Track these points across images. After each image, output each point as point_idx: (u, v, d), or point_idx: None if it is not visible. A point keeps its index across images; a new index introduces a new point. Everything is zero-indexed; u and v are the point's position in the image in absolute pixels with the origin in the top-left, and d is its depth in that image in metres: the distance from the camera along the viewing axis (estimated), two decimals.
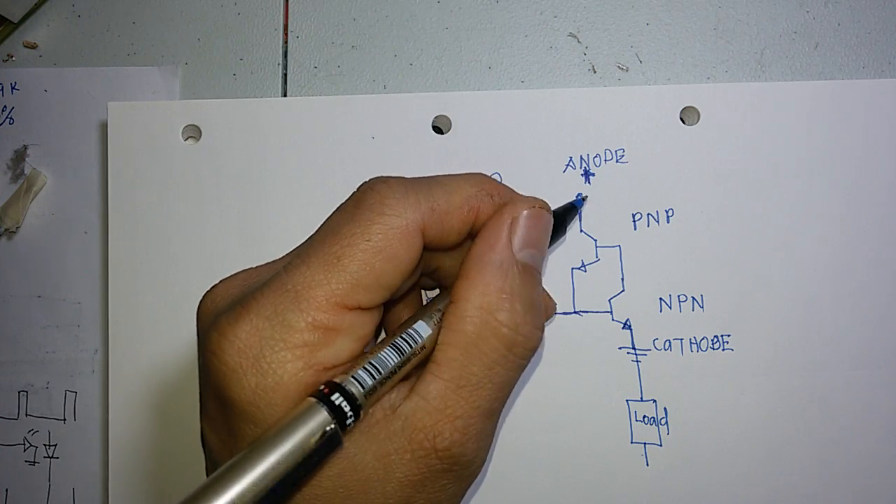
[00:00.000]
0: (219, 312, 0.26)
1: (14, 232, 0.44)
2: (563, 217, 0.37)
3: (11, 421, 0.43)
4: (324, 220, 0.27)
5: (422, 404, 0.26)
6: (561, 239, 0.39)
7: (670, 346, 0.40)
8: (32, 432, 0.43)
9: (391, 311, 0.32)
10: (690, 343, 0.40)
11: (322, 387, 0.24)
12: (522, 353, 0.27)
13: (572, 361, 0.40)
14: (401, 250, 0.26)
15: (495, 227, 0.27)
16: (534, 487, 0.39)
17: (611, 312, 0.40)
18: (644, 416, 0.39)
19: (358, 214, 0.26)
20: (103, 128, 0.44)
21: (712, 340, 0.40)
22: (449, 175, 0.28)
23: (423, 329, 0.27)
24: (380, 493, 0.25)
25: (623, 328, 0.40)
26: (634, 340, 0.40)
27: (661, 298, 0.40)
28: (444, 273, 0.30)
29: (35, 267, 0.44)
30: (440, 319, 0.27)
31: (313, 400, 0.24)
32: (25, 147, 0.44)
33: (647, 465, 0.39)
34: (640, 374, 0.40)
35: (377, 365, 0.25)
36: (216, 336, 0.25)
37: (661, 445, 0.39)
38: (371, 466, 0.25)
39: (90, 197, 0.44)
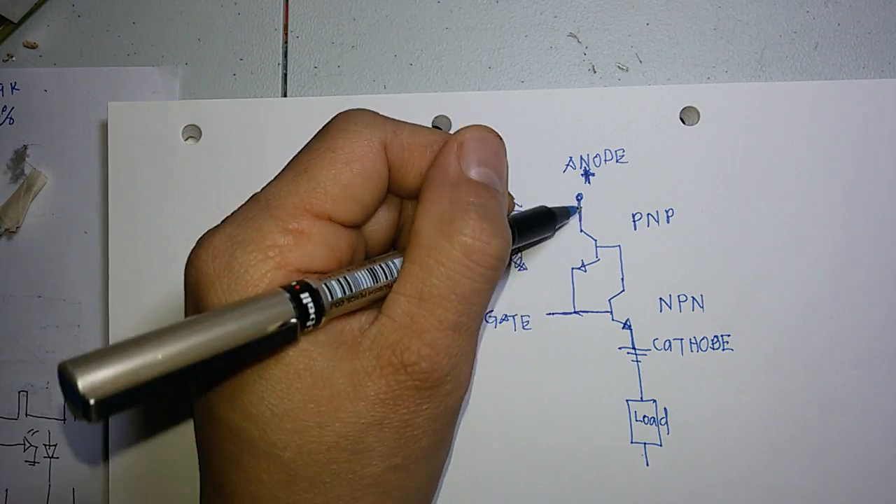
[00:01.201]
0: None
1: (14, 232, 0.44)
2: (554, 215, 0.38)
3: (11, 421, 0.43)
4: None
5: (388, 322, 0.26)
6: (547, 235, 0.39)
7: (670, 346, 0.40)
8: (32, 432, 0.43)
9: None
10: (690, 343, 0.40)
11: (294, 283, 0.25)
12: (483, 259, 0.26)
13: (572, 361, 0.40)
14: (366, 162, 0.27)
15: (444, 151, 0.28)
16: (534, 487, 0.39)
17: (611, 312, 0.40)
18: (644, 416, 0.39)
19: (326, 133, 0.28)
20: (103, 128, 0.44)
21: (712, 340, 0.40)
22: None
23: (399, 261, 0.28)
24: (351, 411, 0.25)
25: (623, 328, 0.40)
26: (634, 340, 0.40)
27: (661, 298, 0.40)
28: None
29: (35, 267, 0.44)
30: None
31: (281, 290, 0.24)
32: (25, 147, 0.44)
33: (647, 465, 0.39)
34: (640, 374, 0.40)
35: (350, 281, 0.26)
36: (196, 249, 0.26)
37: (661, 445, 0.39)
38: (341, 384, 0.25)
39: (90, 197, 0.44)
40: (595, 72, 0.44)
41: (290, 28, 0.45)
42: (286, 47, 0.45)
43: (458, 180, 0.28)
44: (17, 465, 0.43)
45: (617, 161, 0.40)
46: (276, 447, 0.25)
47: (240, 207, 0.27)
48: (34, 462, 0.43)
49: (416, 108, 0.41)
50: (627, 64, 0.44)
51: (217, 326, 0.22)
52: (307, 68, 0.44)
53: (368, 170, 0.27)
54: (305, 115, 0.41)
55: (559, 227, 0.40)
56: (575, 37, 0.44)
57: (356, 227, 0.28)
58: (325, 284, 0.25)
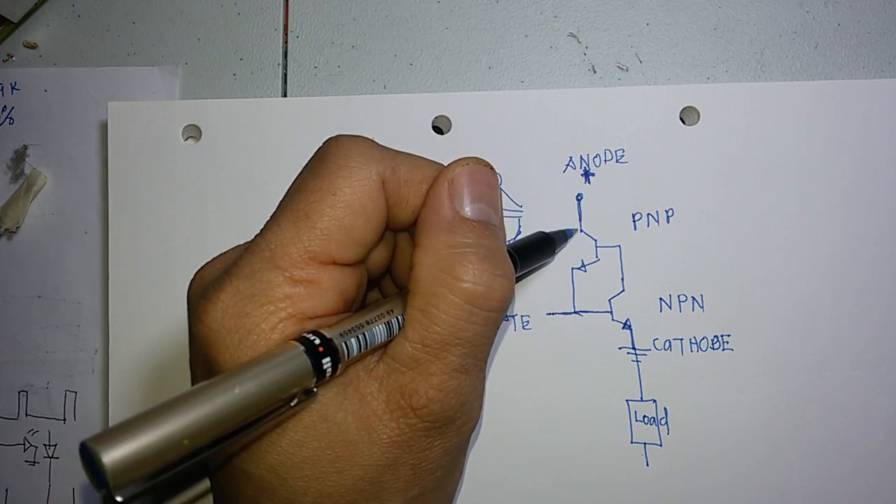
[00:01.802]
0: (206, 286, 0.26)
1: (14, 232, 0.44)
2: (553, 240, 0.38)
3: (11, 421, 0.43)
4: None
5: (394, 366, 0.26)
6: (548, 259, 0.39)
7: (670, 346, 0.40)
8: (32, 432, 0.43)
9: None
10: (690, 343, 0.40)
11: (314, 339, 0.24)
12: (486, 303, 0.26)
13: (572, 362, 0.40)
14: (368, 203, 0.26)
15: (434, 190, 0.27)
16: (534, 488, 0.39)
17: (611, 312, 0.40)
18: (644, 417, 0.39)
19: (322, 168, 0.26)
20: (103, 128, 0.44)
21: (712, 340, 0.40)
22: (413, 154, 0.28)
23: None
24: (367, 455, 0.25)
25: (623, 328, 0.40)
26: (634, 340, 0.40)
27: (661, 298, 0.40)
28: (402, 269, 0.30)
29: (35, 267, 0.44)
30: None
31: (302, 351, 0.24)
32: (25, 147, 0.44)
33: (647, 465, 0.39)
34: (640, 375, 0.40)
35: (367, 337, 0.26)
36: (202, 302, 0.25)
37: (661, 446, 0.39)
38: (354, 429, 0.25)
39: (90, 197, 0.44)
40: (595, 72, 0.44)
41: (290, 28, 0.45)
42: (286, 47, 0.45)
43: (452, 222, 0.27)
44: (17, 466, 0.43)
45: (617, 161, 0.40)
46: (296, 493, 0.25)
47: (242, 257, 0.26)
48: (34, 462, 0.43)
49: (415, 108, 0.41)
50: (627, 64, 0.44)
51: (241, 395, 0.22)
52: (307, 68, 0.44)
53: (370, 210, 0.26)
54: (305, 115, 0.41)
55: (558, 251, 0.40)
56: (575, 37, 0.44)
57: (359, 263, 0.28)
58: (345, 343, 0.25)
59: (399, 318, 0.27)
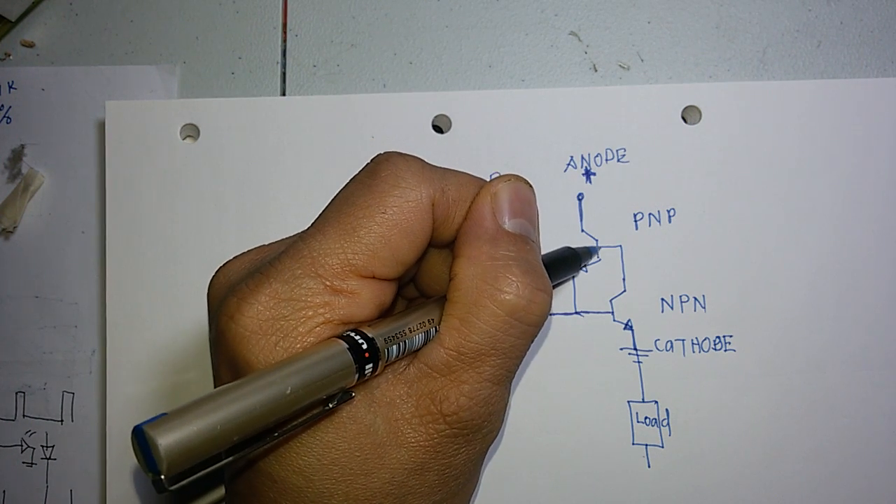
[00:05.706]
0: (233, 284, 0.26)
1: (11, 232, 0.43)
2: (578, 256, 0.38)
3: (9, 422, 0.43)
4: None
5: (425, 371, 0.26)
6: (574, 273, 0.39)
7: (672, 346, 0.39)
8: (30, 433, 0.43)
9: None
10: (692, 344, 0.39)
11: (356, 336, 0.24)
12: (528, 318, 0.26)
13: (573, 362, 0.39)
14: (415, 225, 0.26)
15: (478, 204, 0.28)
16: (534, 489, 0.39)
17: (612, 313, 0.40)
18: (645, 418, 0.39)
19: (373, 186, 0.26)
20: (101, 127, 0.43)
21: (714, 341, 0.39)
22: (460, 171, 0.29)
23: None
24: (395, 458, 0.25)
25: (624, 329, 0.40)
26: (636, 341, 0.39)
27: (662, 299, 0.40)
28: (433, 278, 0.30)
29: (32, 267, 0.43)
30: None
31: (347, 352, 0.24)
32: (23, 146, 0.44)
33: (649, 466, 0.39)
34: (641, 375, 0.39)
35: (407, 344, 0.26)
36: (235, 301, 0.25)
37: (662, 447, 0.39)
38: (383, 431, 0.25)
39: (88, 196, 0.43)
40: (596, 70, 0.44)
41: (288, 26, 0.44)
42: (285, 45, 0.44)
43: (496, 235, 0.27)
44: (14, 467, 0.42)
45: (618, 160, 0.40)
46: (322, 496, 0.25)
47: (279, 260, 0.26)
48: (31, 463, 0.42)
49: (415, 107, 0.40)
50: (629, 62, 0.44)
51: (285, 386, 0.22)
52: (306, 67, 0.44)
53: (416, 231, 0.26)
54: (304, 114, 0.40)
55: (584, 267, 0.39)
56: (576, 35, 0.44)
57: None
58: (387, 350, 0.25)
59: (438, 327, 0.27)
